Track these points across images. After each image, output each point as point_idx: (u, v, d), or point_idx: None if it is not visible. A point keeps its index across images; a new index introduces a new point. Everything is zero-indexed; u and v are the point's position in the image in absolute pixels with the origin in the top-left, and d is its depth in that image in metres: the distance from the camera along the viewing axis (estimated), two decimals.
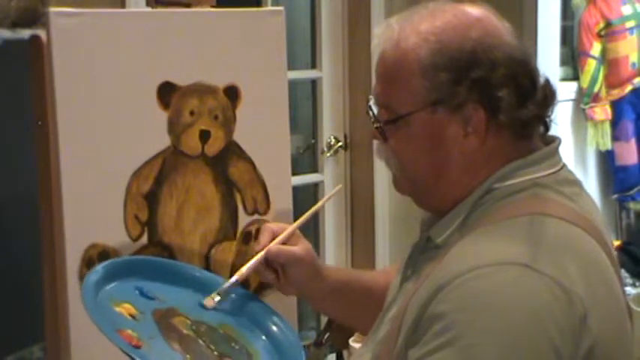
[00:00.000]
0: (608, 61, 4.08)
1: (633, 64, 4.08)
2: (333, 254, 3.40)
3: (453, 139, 1.19)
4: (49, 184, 1.61)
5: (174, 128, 1.70)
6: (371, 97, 1.27)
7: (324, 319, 2.67)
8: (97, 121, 1.62)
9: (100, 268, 1.41)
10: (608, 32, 4.05)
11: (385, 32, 1.23)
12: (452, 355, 1.05)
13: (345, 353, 2.20)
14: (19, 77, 1.72)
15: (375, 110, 1.26)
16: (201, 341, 1.37)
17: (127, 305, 1.36)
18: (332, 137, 3.39)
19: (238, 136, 1.77)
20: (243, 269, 1.50)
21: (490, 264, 1.08)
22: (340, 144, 3.40)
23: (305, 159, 3.59)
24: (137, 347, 1.27)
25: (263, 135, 1.80)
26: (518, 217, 1.15)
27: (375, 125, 1.26)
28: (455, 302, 1.07)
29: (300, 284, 1.50)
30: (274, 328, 1.49)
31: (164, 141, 1.69)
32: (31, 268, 1.74)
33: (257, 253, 1.48)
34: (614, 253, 1.22)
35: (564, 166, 1.25)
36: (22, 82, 1.66)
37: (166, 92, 1.68)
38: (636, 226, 4.31)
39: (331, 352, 2.31)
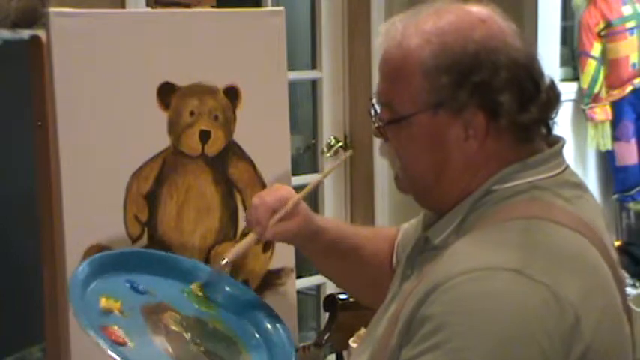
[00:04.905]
0: (608, 62, 4.08)
1: (633, 65, 4.08)
2: None
3: (454, 142, 1.18)
4: (49, 184, 1.61)
5: (175, 129, 1.70)
6: (374, 95, 1.26)
7: (324, 319, 2.66)
8: (97, 121, 1.62)
9: (89, 261, 1.40)
10: (608, 32, 4.05)
11: (389, 31, 1.22)
12: (440, 357, 1.05)
13: (345, 353, 2.20)
14: (19, 77, 1.72)
15: (378, 109, 1.25)
16: (188, 339, 1.36)
17: (115, 300, 1.35)
18: (332, 137, 3.39)
19: (238, 137, 1.77)
20: (236, 249, 1.45)
21: (482, 268, 1.08)
22: (340, 144, 3.40)
23: (305, 159, 3.59)
24: (121, 344, 1.27)
25: (263, 135, 1.80)
26: (515, 221, 1.14)
27: (376, 125, 1.25)
28: (445, 305, 1.07)
29: (296, 247, 1.55)
30: (268, 326, 1.48)
31: (164, 141, 1.69)
32: (31, 268, 1.73)
33: (253, 230, 1.43)
34: (615, 256, 1.21)
35: (567, 168, 1.24)
36: (22, 82, 1.66)
37: (166, 92, 1.68)
38: (636, 227, 4.31)
39: (331, 353, 2.31)
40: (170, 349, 1.32)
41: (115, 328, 1.29)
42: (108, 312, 1.32)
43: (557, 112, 1.23)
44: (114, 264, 1.43)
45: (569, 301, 1.07)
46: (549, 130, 1.24)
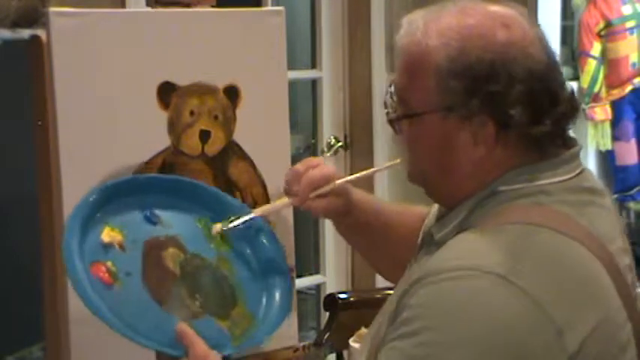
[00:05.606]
0: (608, 61, 4.08)
1: (633, 64, 4.08)
2: (333, 254, 3.40)
3: (463, 146, 1.17)
4: (49, 184, 1.61)
5: (175, 128, 1.70)
6: (391, 83, 1.24)
7: (324, 319, 2.66)
8: (97, 121, 1.63)
9: (102, 188, 1.38)
10: (608, 32, 4.06)
11: (411, 25, 1.20)
12: (410, 347, 1.05)
13: (345, 353, 2.20)
14: (19, 77, 1.72)
15: (394, 99, 1.24)
16: (179, 279, 1.33)
17: (120, 231, 1.33)
18: (332, 137, 3.39)
19: (238, 136, 1.77)
20: (268, 207, 1.54)
21: (467, 268, 1.07)
22: (340, 144, 3.40)
23: (305, 159, 3.58)
24: (107, 284, 1.25)
25: (263, 135, 1.80)
26: (513, 225, 1.12)
27: (388, 118, 1.25)
28: (423, 298, 1.08)
29: (330, 220, 1.56)
30: (277, 297, 1.43)
31: (164, 141, 1.69)
32: (31, 268, 1.74)
33: (290, 197, 1.45)
34: (626, 262, 1.19)
35: (582, 172, 1.21)
36: (22, 82, 1.66)
37: (166, 92, 1.68)
38: (636, 226, 4.31)
39: (331, 352, 2.31)
40: (160, 296, 1.29)
41: (109, 264, 1.27)
42: (107, 246, 1.30)
43: (574, 123, 1.20)
44: (135, 189, 1.41)
45: (552, 312, 1.05)
46: (564, 139, 1.20)
